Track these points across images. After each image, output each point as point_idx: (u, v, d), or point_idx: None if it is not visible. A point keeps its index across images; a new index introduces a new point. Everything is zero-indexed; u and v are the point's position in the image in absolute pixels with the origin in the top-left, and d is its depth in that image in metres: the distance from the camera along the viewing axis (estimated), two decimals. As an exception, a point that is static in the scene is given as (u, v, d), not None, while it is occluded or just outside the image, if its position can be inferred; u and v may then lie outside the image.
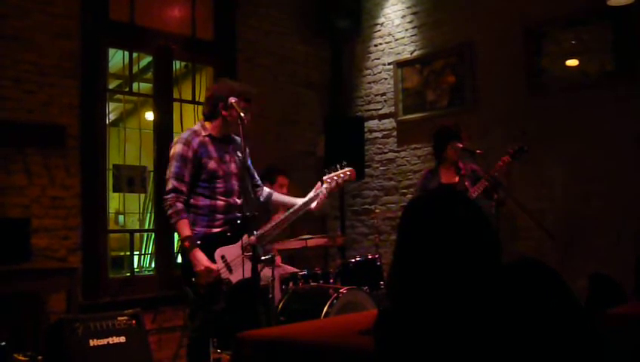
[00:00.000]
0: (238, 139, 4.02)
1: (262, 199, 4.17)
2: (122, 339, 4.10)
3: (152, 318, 5.29)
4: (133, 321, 4.21)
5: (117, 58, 5.98)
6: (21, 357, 4.03)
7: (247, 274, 3.75)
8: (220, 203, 3.86)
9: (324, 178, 4.01)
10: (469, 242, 1.51)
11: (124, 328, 4.14)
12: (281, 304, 4.65)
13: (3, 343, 3.93)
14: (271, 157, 6.15)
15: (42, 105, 4.96)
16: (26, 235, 4.57)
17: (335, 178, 4.00)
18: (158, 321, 5.39)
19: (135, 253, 6.20)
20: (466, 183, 5.07)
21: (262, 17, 6.67)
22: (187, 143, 3.84)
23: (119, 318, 4.15)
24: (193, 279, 3.77)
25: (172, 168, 3.83)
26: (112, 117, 6.08)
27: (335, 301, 4.37)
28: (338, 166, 4.07)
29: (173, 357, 5.45)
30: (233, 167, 3.95)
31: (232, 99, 3.77)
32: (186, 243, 3.75)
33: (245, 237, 3.79)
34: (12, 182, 4.78)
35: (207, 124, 3.97)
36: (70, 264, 4.94)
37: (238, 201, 3.92)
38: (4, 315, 4.41)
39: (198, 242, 3.76)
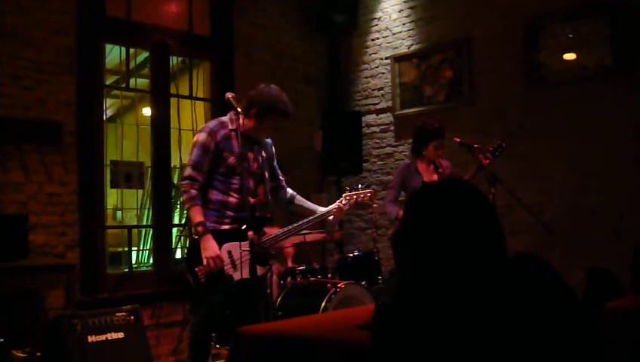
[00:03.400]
0: (268, 141, 4.07)
1: (285, 199, 4.19)
2: (121, 335, 4.10)
3: (150, 314, 5.29)
4: (132, 317, 4.20)
5: (114, 54, 5.97)
6: (19, 354, 4.03)
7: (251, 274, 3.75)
8: (233, 200, 3.83)
9: (344, 195, 4.14)
10: (478, 235, 1.51)
11: (123, 324, 4.13)
12: (279, 299, 4.66)
13: (1, 340, 3.93)
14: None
15: (39, 102, 4.95)
16: (23, 232, 4.55)
17: (355, 196, 4.12)
18: (156, 317, 5.39)
19: (133, 248, 6.20)
20: None
21: (259, 12, 6.66)
22: (212, 134, 3.81)
23: (117, 314, 4.14)
24: (196, 268, 3.75)
25: (192, 156, 3.81)
26: (109, 113, 6.08)
27: (333, 296, 4.37)
28: (360, 186, 4.22)
29: (172, 352, 5.46)
30: (254, 166, 3.91)
31: (229, 95, 3.75)
32: (199, 229, 3.73)
33: (252, 236, 3.77)
34: (9, 178, 4.77)
35: (239, 118, 3.85)
36: (68, 260, 4.93)
37: (252, 201, 3.88)
38: (2, 312, 4.40)
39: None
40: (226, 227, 3.83)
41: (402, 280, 1.60)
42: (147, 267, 6.49)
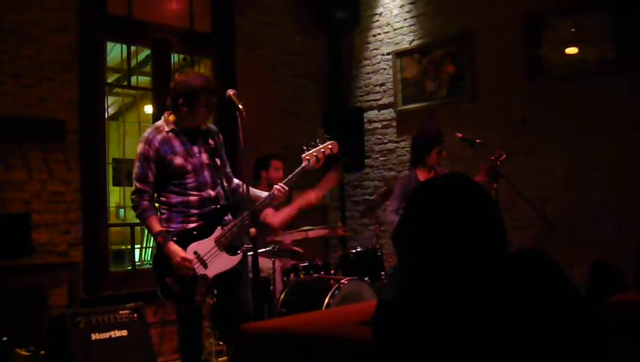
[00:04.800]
0: (211, 127, 3.94)
1: (230, 188, 3.97)
2: (124, 333, 4.10)
3: (153, 311, 5.30)
4: (135, 315, 4.20)
5: (115, 52, 5.97)
6: (23, 352, 4.04)
7: (224, 267, 3.70)
8: (193, 198, 3.72)
9: (303, 155, 3.94)
10: (478, 230, 1.50)
11: (126, 322, 4.13)
12: (282, 295, 4.66)
13: (5, 338, 3.94)
14: (271, 149, 6.14)
15: (41, 100, 4.96)
16: (26, 230, 4.57)
17: (315, 154, 3.94)
18: (159, 314, 5.39)
19: (136, 246, 6.20)
20: None
21: (260, 9, 6.65)
22: (148, 142, 3.70)
23: (121, 312, 4.14)
24: (167, 280, 3.66)
25: (135, 169, 3.73)
26: (111, 111, 6.07)
27: (336, 292, 4.37)
28: (318, 140, 4.02)
29: (175, 350, 5.46)
30: (204, 157, 3.78)
31: (231, 92, 3.72)
32: (159, 239, 3.64)
33: (219, 229, 3.73)
34: (12, 177, 4.78)
35: (171, 117, 3.78)
36: (71, 258, 4.94)
37: (212, 193, 3.77)
38: (6, 310, 4.41)
39: (174, 238, 3.66)
40: (193, 225, 3.72)
41: (404, 276, 1.60)
42: (150, 264, 6.49)
